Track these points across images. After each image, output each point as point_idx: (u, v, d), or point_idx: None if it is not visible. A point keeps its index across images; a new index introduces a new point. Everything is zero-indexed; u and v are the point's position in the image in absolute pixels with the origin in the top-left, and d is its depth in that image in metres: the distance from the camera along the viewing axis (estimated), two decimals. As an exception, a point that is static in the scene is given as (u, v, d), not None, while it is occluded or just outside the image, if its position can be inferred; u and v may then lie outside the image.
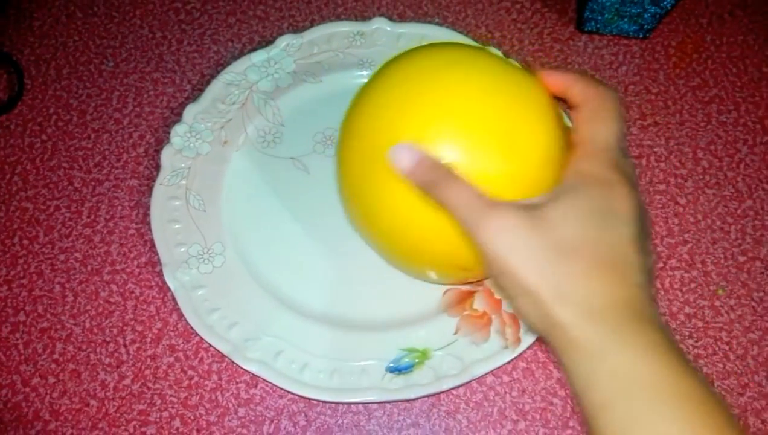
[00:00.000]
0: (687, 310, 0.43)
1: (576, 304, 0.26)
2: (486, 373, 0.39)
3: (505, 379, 0.41)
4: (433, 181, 0.30)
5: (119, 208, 0.46)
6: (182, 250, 0.43)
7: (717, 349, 0.42)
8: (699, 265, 0.45)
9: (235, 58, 0.51)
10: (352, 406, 0.40)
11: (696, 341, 0.42)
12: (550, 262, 0.27)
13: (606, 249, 0.27)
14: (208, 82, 0.49)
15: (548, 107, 0.32)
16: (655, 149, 0.49)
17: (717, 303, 0.43)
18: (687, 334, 0.42)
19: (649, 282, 0.28)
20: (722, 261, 0.45)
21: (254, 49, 0.51)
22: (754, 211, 0.47)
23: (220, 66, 0.52)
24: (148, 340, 0.42)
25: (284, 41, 0.50)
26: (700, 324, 0.43)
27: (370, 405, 0.40)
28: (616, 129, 0.31)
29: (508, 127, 0.30)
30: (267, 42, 0.52)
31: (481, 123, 0.30)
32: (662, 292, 0.44)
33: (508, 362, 0.40)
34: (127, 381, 0.41)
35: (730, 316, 0.43)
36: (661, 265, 0.44)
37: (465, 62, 0.32)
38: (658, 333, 0.26)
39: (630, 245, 0.28)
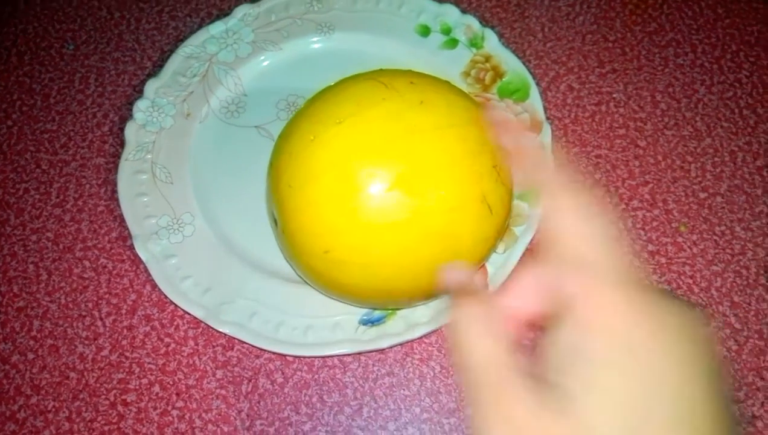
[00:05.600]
0: (650, 247, 0.44)
1: None
2: (456, 320, 0.40)
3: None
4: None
5: (87, 186, 0.47)
6: (152, 222, 0.43)
7: (681, 283, 0.43)
8: (660, 204, 0.46)
9: (194, 32, 0.51)
10: (327, 360, 0.41)
11: (660, 277, 0.43)
12: None
13: None
14: (168, 58, 0.49)
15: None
16: (614, 95, 0.50)
17: (680, 239, 0.44)
18: (651, 270, 0.43)
19: None
20: (683, 199, 0.46)
21: (212, 22, 0.51)
22: (714, 149, 0.48)
23: (179, 41, 0.52)
24: (124, 311, 0.42)
25: (241, 11, 0.50)
26: (663, 260, 0.44)
27: (345, 358, 0.41)
28: (596, 220, 0.23)
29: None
30: (225, 14, 0.52)
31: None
32: (625, 232, 0.44)
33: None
34: (105, 352, 0.41)
35: (692, 250, 0.44)
36: (623, 205, 0.45)
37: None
38: None
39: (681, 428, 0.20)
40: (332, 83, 0.36)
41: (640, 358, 0.20)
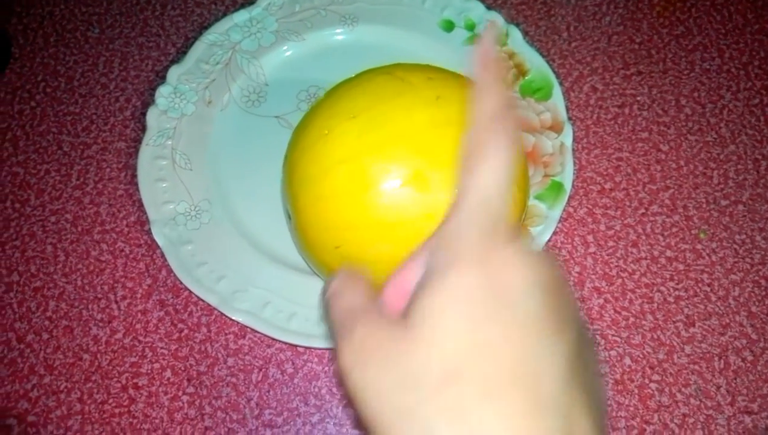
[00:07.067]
0: (668, 253, 0.44)
1: None
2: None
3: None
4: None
5: (107, 170, 0.47)
6: (170, 207, 0.44)
7: (698, 290, 0.43)
8: (681, 210, 0.45)
9: (219, 19, 0.51)
10: (338, 353, 0.41)
11: (677, 284, 0.43)
12: (416, 405, 0.19)
13: (494, 359, 0.19)
14: (192, 45, 0.50)
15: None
16: (638, 98, 0.49)
17: (699, 246, 0.44)
18: (668, 276, 0.43)
19: (570, 376, 0.20)
20: (704, 205, 0.45)
21: (237, 10, 0.51)
22: (737, 156, 0.47)
23: (204, 28, 0.52)
24: (139, 295, 0.43)
25: (266, 0, 0.50)
26: (681, 267, 0.43)
27: (355, 352, 0.41)
28: (499, 171, 0.23)
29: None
30: (250, 2, 0.52)
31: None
32: (644, 237, 0.44)
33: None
34: (118, 335, 0.42)
35: (711, 258, 0.43)
36: (642, 210, 0.45)
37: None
38: None
39: (529, 335, 0.20)
40: (349, 76, 0.36)
41: (485, 266, 0.21)
